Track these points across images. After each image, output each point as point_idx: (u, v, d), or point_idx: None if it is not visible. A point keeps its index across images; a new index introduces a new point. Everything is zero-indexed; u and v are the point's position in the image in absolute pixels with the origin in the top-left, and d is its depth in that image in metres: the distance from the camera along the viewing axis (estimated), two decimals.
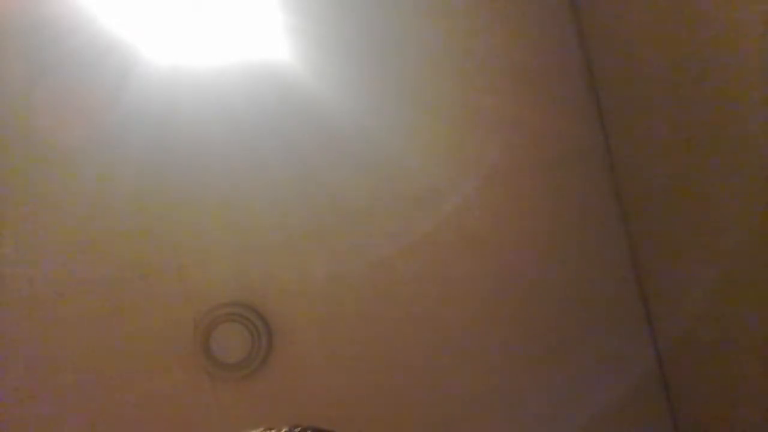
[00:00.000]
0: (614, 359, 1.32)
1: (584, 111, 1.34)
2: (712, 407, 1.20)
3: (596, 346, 1.32)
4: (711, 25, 0.96)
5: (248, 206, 1.30)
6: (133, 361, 1.26)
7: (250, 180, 1.30)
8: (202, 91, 1.28)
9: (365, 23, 1.32)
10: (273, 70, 1.30)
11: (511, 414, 1.31)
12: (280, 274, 1.29)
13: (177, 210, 1.28)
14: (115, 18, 1.25)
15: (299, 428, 0.61)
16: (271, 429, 0.61)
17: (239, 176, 1.30)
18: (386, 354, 1.30)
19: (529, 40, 1.34)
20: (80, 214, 1.26)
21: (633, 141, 1.27)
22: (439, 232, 1.31)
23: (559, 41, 1.34)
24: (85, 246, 1.26)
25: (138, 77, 1.25)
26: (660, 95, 1.13)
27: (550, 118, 1.34)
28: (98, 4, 1.25)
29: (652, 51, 1.12)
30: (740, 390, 1.11)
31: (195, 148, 1.29)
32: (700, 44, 0.99)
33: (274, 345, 1.28)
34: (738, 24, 0.91)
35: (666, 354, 1.31)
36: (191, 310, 1.27)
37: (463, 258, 1.32)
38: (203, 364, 1.26)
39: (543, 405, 1.32)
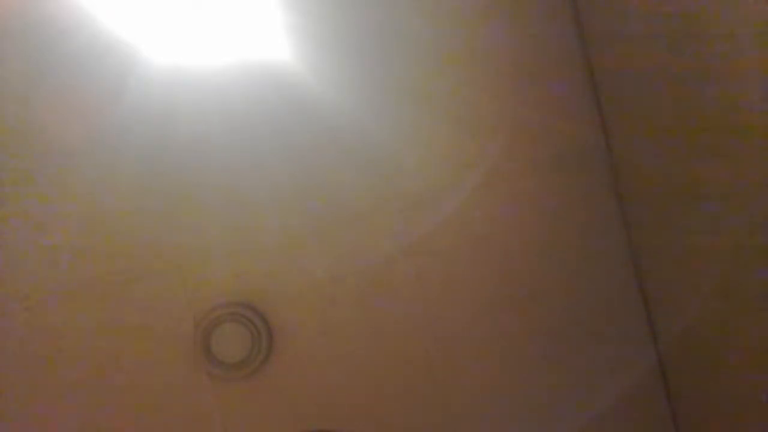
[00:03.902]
0: (614, 359, 1.32)
1: (584, 111, 1.34)
2: (712, 407, 1.20)
3: (596, 346, 1.32)
4: (711, 24, 0.96)
5: (248, 206, 1.30)
6: (133, 361, 1.26)
7: (250, 180, 1.30)
8: (202, 90, 1.28)
9: (365, 22, 1.32)
10: (273, 70, 1.30)
11: (511, 414, 1.31)
12: (280, 274, 1.29)
13: (177, 210, 1.28)
14: (115, 18, 1.25)
15: None
16: None
17: (239, 176, 1.29)
18: (386, 354, 1.30)
19: (529, 40, 1.34)
20: (80, 214, 1.26)
21: (633, 141, 1.27)
22: (439, 232, 1.31)
23: (560, 41, 1.34)
24: (85, 246, 1.26)
25: (138, 77, 1.25)
26: (660, 95, 1.13)
27: (550, 118, 1.34)
28: (98, 4, 1.25)
29: (653, 51, 1.12)
30: (740, 390, 1.11)
31: (195, 148, 1.28)
32: (701, 44, 0.99)
33: (275, 345, 1.28)
34: (738, 23, 0.91)
35: (666, 354, 1.31)
36: (191, 310, 1.27)
37: (464, 258, 1.32)
38: (203, 364, 1.26)
39: (543, 405, 1.32)
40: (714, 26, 0.95)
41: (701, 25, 0.97)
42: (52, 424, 1.24)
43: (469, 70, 1.33)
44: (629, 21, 1.19)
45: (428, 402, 1.30)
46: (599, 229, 1.34)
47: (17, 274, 1.25)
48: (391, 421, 1.29)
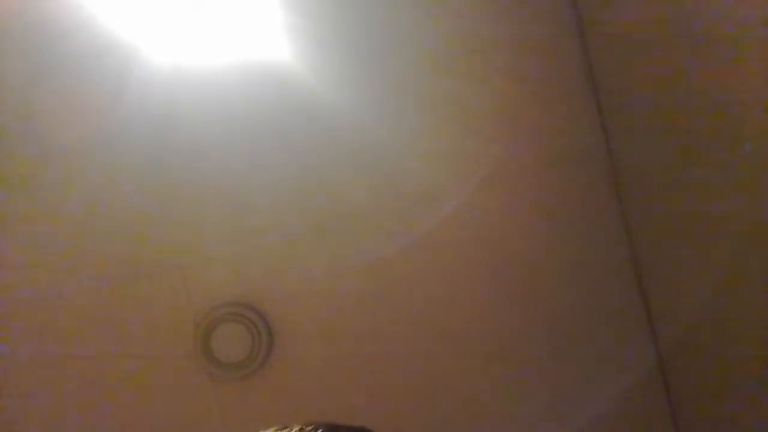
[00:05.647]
0: (614, 359, 1.32)
1: (584, 111, 1.34)
2: (712, 407, 1.20)
3: (596, 346, 1.32)
4: (711, 25, 0.96)
5: (248, 206, 1.30)
6: (133, 361, 1.26)
7: (250, 180, 1.30)
8: (202, 91, 1.28)
9: (366, 23, 1.32)
10: (273, 70, 1.30)
11: (511, 414, 1.31)
12: (280, 274, 1.29)
13: (177, 210, 1.28)
14: (115, 18, 1.25)
15: (311, 426, 0.60)
16: (284, 428, 0.60)
17: (239, 176, 1.29)
18: (386, 354, 1.30)
19: (529, 40, 1.34)
20: (80, 214, 1.26)
21: (633, 141, 1.27)
22: (439, 232, 1.31)
23: (560, 41, 1.34)
24: (85, 246, 1.26)
25: (138, 77, 1.25)
26: (660, 95, 1.13)
27: (550, 118, 1.34)
28: (98, 4, 1.25)
29: (652, 51, 1.12)
30: (740, 390, 1.11)
31: (195, 148, 1.28)
32: (701, 44, 0.99)
33: (275, 345, 1.28)
34: (738, 24, 0.91)
35: (666, 354, 1.31)
36: (191, 310, 1.27)
37: (463, 258, 1.32)
38: (203, 364, 1.26)
39: (543, 405, 1.32)
40: (714, 26, 0.95)
41: (701, 25, 0.97)
42: (53, 423, 1.24)
43: (470, 70, 1.33)
44: (629, 21, 1.19)
45: (428, 402, 1.30)
46: (599, 229, 1.34)
47: (17, 273, 1.25)
48: (391, 422, 1.29)
